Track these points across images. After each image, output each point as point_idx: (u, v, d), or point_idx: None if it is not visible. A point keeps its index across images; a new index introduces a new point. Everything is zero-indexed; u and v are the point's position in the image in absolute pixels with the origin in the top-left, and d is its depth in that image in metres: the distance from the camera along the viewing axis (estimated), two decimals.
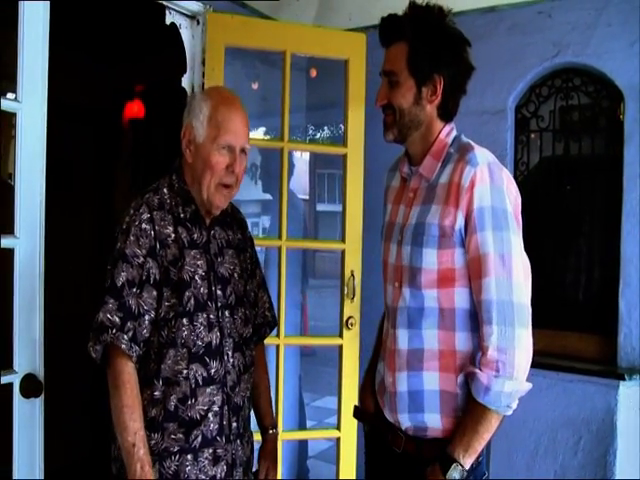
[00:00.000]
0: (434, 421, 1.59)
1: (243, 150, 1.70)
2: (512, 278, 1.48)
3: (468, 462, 1.49)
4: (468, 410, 1.53)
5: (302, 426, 3.97)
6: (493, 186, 1.50)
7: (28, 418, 1.89)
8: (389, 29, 1.64)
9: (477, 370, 1.48)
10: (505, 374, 1.45)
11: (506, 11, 2.94)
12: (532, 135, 3.06)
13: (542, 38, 2.86)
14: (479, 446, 1.50)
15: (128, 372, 1.56)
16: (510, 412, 1.51)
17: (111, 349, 1.57)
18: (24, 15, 1.86)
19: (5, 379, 1.84)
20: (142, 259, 1.60)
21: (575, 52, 2.80)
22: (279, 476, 2.36)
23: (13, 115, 1.86)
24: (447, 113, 1.65)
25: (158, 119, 4.00)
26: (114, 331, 1.55)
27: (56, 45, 1.97)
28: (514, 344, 1.46)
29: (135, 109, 4.35)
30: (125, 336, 1.55)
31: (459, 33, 1.62)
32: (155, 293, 1.61)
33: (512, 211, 1.52)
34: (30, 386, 1.87)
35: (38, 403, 1.91)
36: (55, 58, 1.96)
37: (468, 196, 1.50)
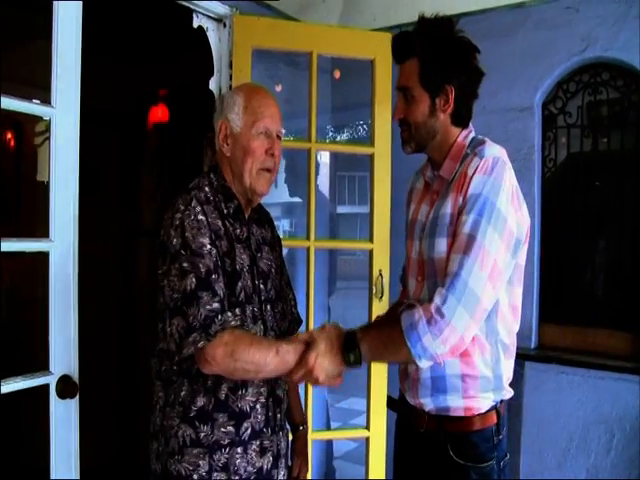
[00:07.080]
0: (456, 401, 1.66)
1: (278, 135, 1.74)
2: (475, 264, 1.50)
3: (366, 354, 1.56)
4: (392, 328, 1.57)
5: (327, 427, 3.98)
6: (491, 178, 1.55)
7: (64, 419, 1.92)
8: (401, 47, 1.73)
9: (417, 309, 1.52)
10: (433, 332, 1.48)
11: (533, 7, 2.91)
12: (559, 131, 3.03)
13: (570, 33, 2.83)
14: (379, 357, 1.67)
15: (243, 334, 1.56)
16: (420, 363, 1.53)
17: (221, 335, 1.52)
18: (58, 16, 1.89)
19: (42, 380, 1.87)
20: (209, 247, 1.57)
21: (604, 46, 2.76)
22: (309, 476, 2.36)
23: (37, 122, 1.87)
24: (461, 119, 1.72)
25: (186, 121, 4.03)
26: (220, 317, 1.52)
27: (84, 49, 1.98)
28: (452, 317, 1.48)
29: (159, 113, 4.36)
30: (229, 314, 1.54)
31: (467, 41, 1.68)
32: (221, 278, 1.59)
33: (503, 210, 1.54)
34: (66, 387, 1.90)
35: (73, 404, 1.93)
36: (83, 62, 1.97)
37: (468, 182, 1.57)
